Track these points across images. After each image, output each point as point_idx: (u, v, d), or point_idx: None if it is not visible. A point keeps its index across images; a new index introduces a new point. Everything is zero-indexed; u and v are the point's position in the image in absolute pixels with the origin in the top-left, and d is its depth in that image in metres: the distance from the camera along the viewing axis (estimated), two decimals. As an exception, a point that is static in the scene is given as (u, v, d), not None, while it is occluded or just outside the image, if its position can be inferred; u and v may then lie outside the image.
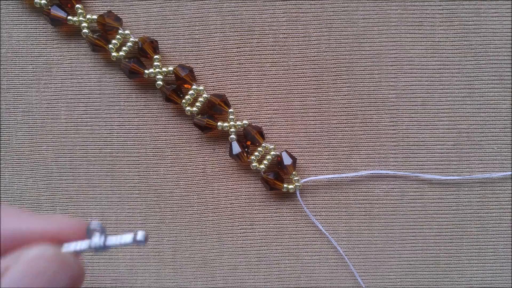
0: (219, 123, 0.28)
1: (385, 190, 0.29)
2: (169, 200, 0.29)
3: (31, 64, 0.29)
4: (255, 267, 0.29)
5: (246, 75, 0.29)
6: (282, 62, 0.28)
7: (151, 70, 0.28)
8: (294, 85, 0.29)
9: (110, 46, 0.28)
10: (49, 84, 0.29)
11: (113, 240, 0.18)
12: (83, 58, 0.29)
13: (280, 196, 0.29)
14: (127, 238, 0.18)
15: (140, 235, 0.18)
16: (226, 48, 0.28)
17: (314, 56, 0.28)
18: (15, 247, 0.17)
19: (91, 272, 0.29)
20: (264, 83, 0.29)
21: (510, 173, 0.28)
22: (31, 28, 0.29)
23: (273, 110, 0.29)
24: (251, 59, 0.28)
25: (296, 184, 0.28)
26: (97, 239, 0.18)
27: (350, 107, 0.28)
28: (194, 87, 0.28)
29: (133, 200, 0.29)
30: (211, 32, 0.28)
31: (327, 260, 0.29)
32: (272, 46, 0.28)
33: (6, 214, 0.18)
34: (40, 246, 0.17)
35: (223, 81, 0.29)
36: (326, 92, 0.29)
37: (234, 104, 0.29)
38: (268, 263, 0.29)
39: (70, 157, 0.29)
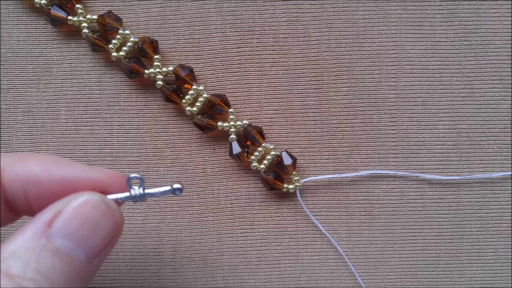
0: (219, 123, 0.28)
1: (385, 190, 0.29)
2: (169, 200, 0.29)
3: (31, 64, 0.29)
4: (255, 267, 0.29)
5: (246, 75, 0.29)
6: (282, 62, 0.28)
7: (151, 70, 0.28)
8: (294, 85, 0.29)
9: (110, 46, 0.28)
10: (49, 84, 0.29)
11: (151, 190, 0.20)
12: (83, 58, 0.29)
13: (280, 196, 0.29)
14: (164, 188, 0.20)
15: (176, 184, 0.20)
16: (226, 48, 0.28)
17: (314, 56, 0.28)
18: (65, 193, 0.19)
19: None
20: (264, 83, 0.29)
21: (510, 173, 0.28)
22: (31, 28, 0.29)
23: (273, 110, 0.29)
24: (251, 59, 0.28)
25: (296, 184, 0.28)
26: (136, 190, 0.20)
27: (350, 107, 0.28)
28: (194, 87, 0.28)
29: (133, 200, 0.29)
30: (211, 32, 0.28)
31: (327, 260, 0.29)
32: (272, 46, 0.28)
33: (57, 162, 0.19)
34: (87, 193, 0.18)
35: (223, 81, 0.29)
36: (326, 92, 0.29)
37: (234, 104, 0.29)
38: (268, 263, 0.29)
39: (70, 157, 0.29)
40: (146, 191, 0.20)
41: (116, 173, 0.21)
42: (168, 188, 0.20)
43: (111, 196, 0.20)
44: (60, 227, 0.17)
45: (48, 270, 0.16)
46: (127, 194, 0.20)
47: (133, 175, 0.20)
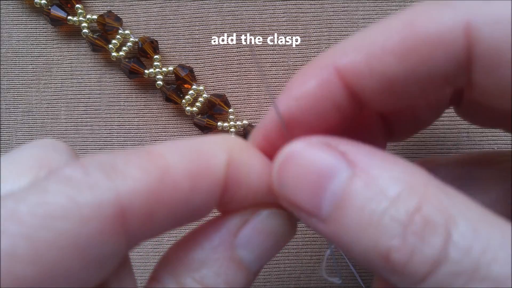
0: (219, 123, 0.28)
1: (385, 190, 0.29)
2: (169, 200, 0.29)
3: (31, 64, 0.29)
4: (255, 267, 0.29)
5: (246, 75, 0.29)
6: (282, 62, 0.28)
7: (151, 70, 0.28)
8: (294, 85, 0.28)
9: (110, 46, 0.28)
10: (49, 84, 0.29)
11: None
12: (83, 58, 0.29)
13: (280, 196, 0.29)
14: None
15: None
16: (226, 48, 0.28)
17: (314, 56, 0.28)
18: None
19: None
20: (264, 83, 0.29)
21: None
22: (31, 28, 0.29)
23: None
24: (251, 59, 0.28)
25: (296, 184, 0.28)
26: None
27: (350, 107, 0.28)
28: (194, 87, 0.28)
29: (133, 200, 0.29)
30: (211, 32, 0.28)
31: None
32: (272, 46, 0.28)
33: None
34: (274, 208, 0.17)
35: (223, 81, 0.29)
36: (326, 92, 0.28)
37: (234, 104, 0.29)
38: (268, 263, 0.29)
39: (70, 157, 0.29)
40: None
41: None
42: None
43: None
44: (246, 239, 0.16)
45: (234, 283, 0.16)
46: None
47: None
